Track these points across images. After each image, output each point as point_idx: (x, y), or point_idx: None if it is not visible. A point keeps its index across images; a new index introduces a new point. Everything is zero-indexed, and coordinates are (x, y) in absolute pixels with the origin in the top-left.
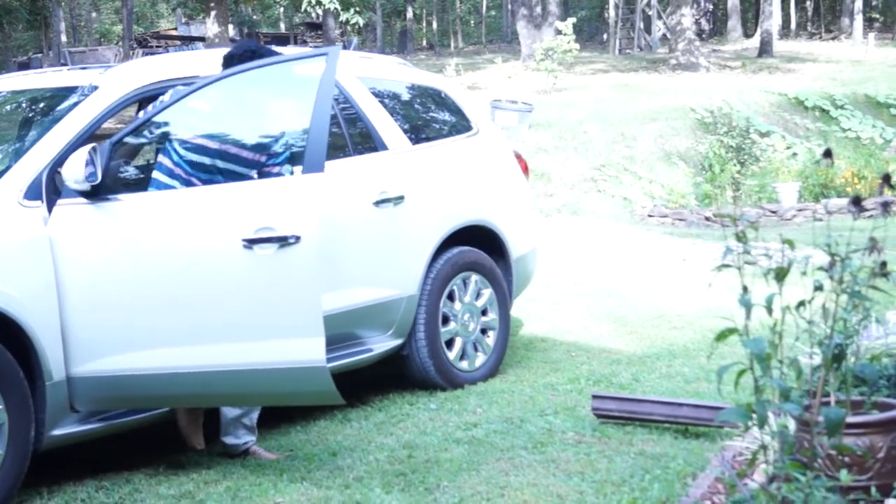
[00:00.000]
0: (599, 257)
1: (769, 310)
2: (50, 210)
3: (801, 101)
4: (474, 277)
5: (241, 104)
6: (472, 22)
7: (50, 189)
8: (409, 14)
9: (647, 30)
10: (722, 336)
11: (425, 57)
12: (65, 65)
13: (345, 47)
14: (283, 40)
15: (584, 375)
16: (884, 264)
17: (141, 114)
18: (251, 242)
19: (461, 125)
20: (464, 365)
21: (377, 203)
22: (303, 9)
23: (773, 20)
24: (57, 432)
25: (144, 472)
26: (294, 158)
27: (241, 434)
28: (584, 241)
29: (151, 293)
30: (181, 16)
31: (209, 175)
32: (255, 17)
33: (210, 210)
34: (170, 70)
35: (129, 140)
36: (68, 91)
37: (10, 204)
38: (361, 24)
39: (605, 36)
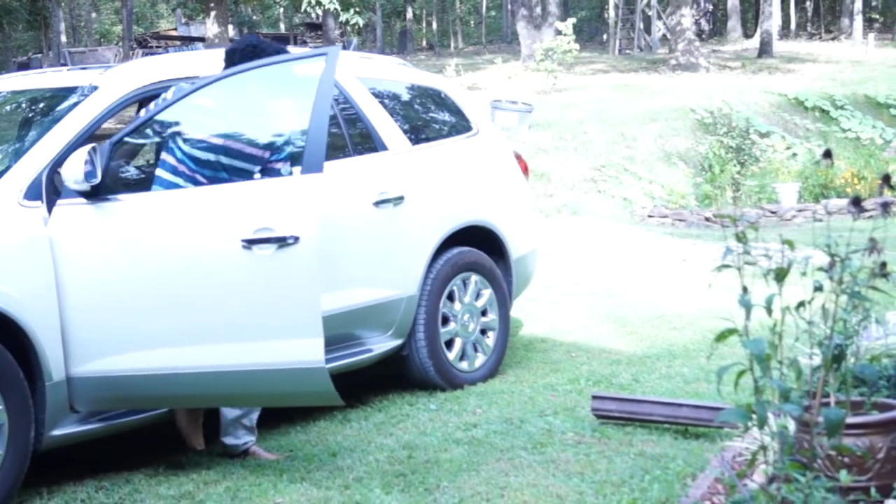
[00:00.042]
0: (599, 258)
1: (769, 310)
2: (50, 210)
3: (800, 102)
4: (474, 278)
5: (242, 103)
6: (471, 22)
7: (50, 189)
8: (409, 14)
9: (647, 30)
10: (722, 336)
11: (425, 57)
12: (64, 65)
13: (344, 47)
14: (282, 41)
15: (584, 376)
16: (883, 265)
17: (142, 112)
18: (250, 243)
19: (461, 125)
20: (463, 365)
21: (377, 203)
22: (302, 9)
23: (772, 20)
24: (57, 432)
25: (144, 473)
26: (295, 157)
27: (241, 434)
28: (583, 242)
29: (151, 293)
30: (181, 16)
31: (213, 171)
32: (254, 17)
33: (209, 210)
34: (170, 70)
35: (130, 140)
36: (68, 91)
37: (10, 204)
38: (361, 25)
39: (604, 36)
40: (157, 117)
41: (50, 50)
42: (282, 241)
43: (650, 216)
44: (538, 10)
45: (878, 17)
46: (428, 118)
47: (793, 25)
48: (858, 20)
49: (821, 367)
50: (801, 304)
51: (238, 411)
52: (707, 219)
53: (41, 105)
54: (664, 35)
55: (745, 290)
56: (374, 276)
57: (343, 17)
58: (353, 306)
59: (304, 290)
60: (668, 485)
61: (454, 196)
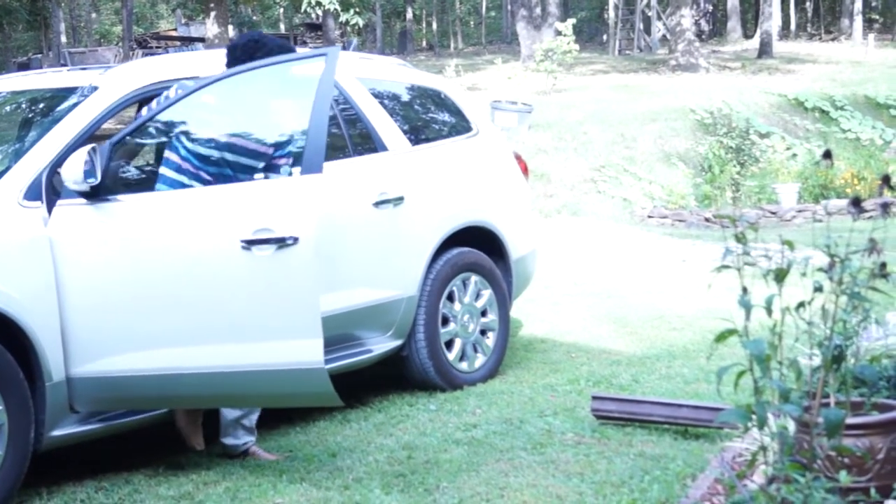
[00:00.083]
0: (599, 258)
1: (769, 311)
2: (50, 211)
3: (800, 102)
4: (474, 278)
5: (243, 103)
6: (471, 23)
7: (50, 189)
8: (409, 15)
9: (647, 31)
10: (721, 337)
11: (425, 58)
12: (64, 65)
13: (344, 48)
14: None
15: (584, 376)
16: (883, 265)
17: (145, 111)
18: (249, 243)
19: (461, 126)
20: (463, 366)
21: (377, 204)
22: (302, 9)
23: (772, 21)
24: (57, 433)
25: (144, 473)
26: (296, 156)
27: (241, 435)
28: (583, 242)
29: (150, 294)
30: (181, 16)
31: (218, 168)
32: (254, 17)
33: (209, 211)
34: (170, 71)
35: (130, 140)
36: (68, 92)
37: (10, 204)
38: (361, 25)
39: (604, 37)
40: (159, 117)
41: (50, 50)
42: (281, 242)
43: (650, 217)
44: (538, 10)
45: (877, 17)
46: (428, 119)
47: (793, 26)
48: (858, 21)
49: (821, 368)
50: (801, 304)
51: (238, 412)
52: (707, 219)
53: (41, 105)
54: (664, 35)
55: (744, 290)
56: (373, 277)
57: (343, 18)
58: (352, 307)
59: (304, 291)
60: (668, 485)
61: (454, 196)
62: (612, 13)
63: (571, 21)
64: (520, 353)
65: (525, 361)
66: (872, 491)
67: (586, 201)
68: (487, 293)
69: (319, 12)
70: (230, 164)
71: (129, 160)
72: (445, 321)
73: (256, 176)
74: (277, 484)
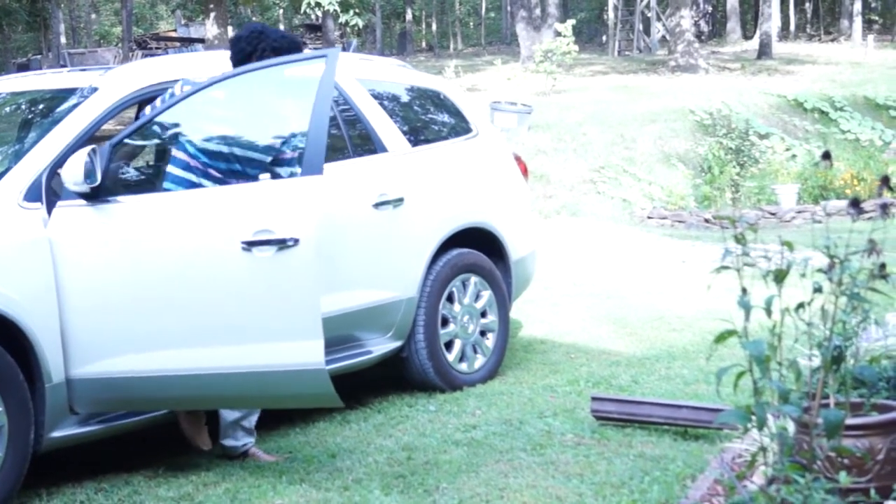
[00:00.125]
0: (599, 259)
1: (768, 312)
2: (49, 212)
3: (800, 103)
4: (473, 279)
5: (246, 102)
6: (471, 24)
7: (49, 191)
8: (409, 16)
9: (647, 31)
10: (721, 338)
11: (425, 59)
12: (64, 66)
13: (344, 49)
14: None
15: (584, 377)
16: (883, 266)
17: (148, 110)
18: (250, 245)
19: (460, 127)
20: (463, 367)
21: (376, 205)
22: (302, 10)
23: (772, 22)
24: (56, 434)
25: (144, 474)
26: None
27: (241, 436)
28: (583, 243)
29: (151, 295)
30: (181, 17)
31: (227, 164)
32: (254, 18)
33: (209, 212)
34: (169, 72)
35: (131, 141)
36: (68, 93)
37: (10, 206)
38: (361, 26)
39: (604, 38)
40: (161, 118)
41: (49, 51)
42: (282, 243)
43: (649, 217)
44: (537, 11)
45: (877, 18)
46: (427, 120)
47: (792, 27)
48: (858, 22)
49: (820, 369)
50: (801, 305)
51: (237, 413)
52: (706, 220)
53: (41, 106)
54: (663, 36)
55: (744, 291)
56: (373, 278)
57: (342, 19)
58: (352, 308)
59: (305, 292)
60: (668, 486)
61: (454, 198)
62: (611, 14)
63: (571, 22)
64: (519, 353)
65: (525, 362)
66: (872, 492)
67: (586, 202)
68: (487, 294)
69: (319, 13)
70: (239, 158)
71: (129, 161)
72: (445, 322)
73: (262, 176)
74: (277, 485)
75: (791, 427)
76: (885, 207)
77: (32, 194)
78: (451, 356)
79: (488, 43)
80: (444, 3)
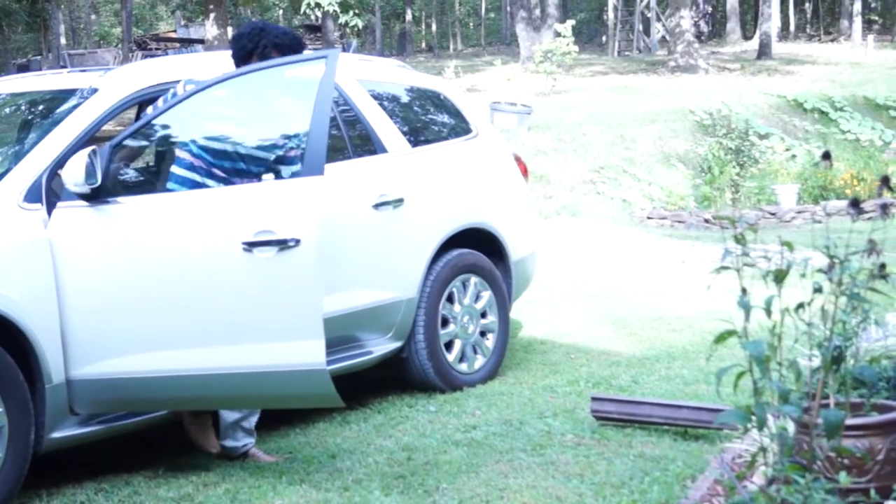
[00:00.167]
0: (599, 259)
1: (768, 312)
2: (50, 213)
3: (800, 103)
4: (474, 280)
5: (247, 103)
6: (471, 24)
7: (50, 192)
8: (409, 16)
9: (646, 32)
10: (721, 338)
11: (424, 59)
12: (64, 67)
13: (344, 50)
14: None
15: (584, 377)
16: (883, 266)
17: (149, 110)
18: (251, 245)
19: (460, 128)
20: (463, 367)
21: (376, 206)
22: (302, 11)
23: (771, 22)
24: (57, 435)
25: (144, 475)
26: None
27: (241, 437)
28: (583, 243)
29: (151, 296)
30: (180, 18)
31: (231, 162)
32: (254, 19)
33: (210, 213)
34: (169, 73)
35: (132, 142)
36: (68, 94)
37: (10, 207)
38: (360, 27)
39: (603, 38)
40: (164, 118)
41: (49, 52)
42: (282, 244)
43: (649, 218)
44: (537, 12)
45: (877, 18)
46: (427, 120)
47: (792, 27)
48: (857, 22)
49: (820, 369)
50: (801, 305)
51: (237, 414)
52: (706, 220)
53: (41, 107)
54: (663, 37)
55: (744, 291)
56: (373, 279)
57: (342, 19)
58: (353, 308)
59: (306, 293)
60: (668, 486)
61: (454, 198)
62: (611, 14)
63: (571, 22)
64: (519, 354)
65: (525, 363)
66: (872, 492)
67: (586, 202)
68: (487, 295)
69: (319, 14)
70: (243, 156)
71: (130, 162)
72: (445, 322)
73: (265, 175)
74: (277, 485)
75: (791, 427)
76: (885, 207)
77: (32, 195)
78: (451, 356)
79: (488, 43)
80: (444, 4)
